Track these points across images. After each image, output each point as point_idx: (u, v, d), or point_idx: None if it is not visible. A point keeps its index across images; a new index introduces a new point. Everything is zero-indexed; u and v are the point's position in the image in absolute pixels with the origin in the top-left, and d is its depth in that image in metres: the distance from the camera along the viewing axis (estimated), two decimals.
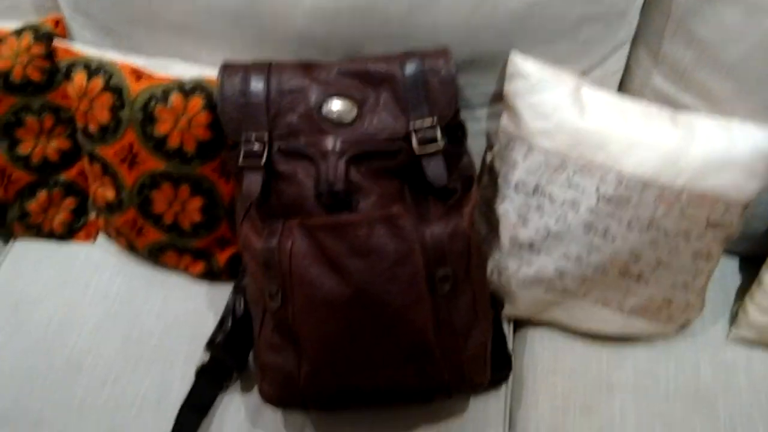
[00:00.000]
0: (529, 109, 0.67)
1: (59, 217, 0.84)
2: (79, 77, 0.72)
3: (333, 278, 0.59)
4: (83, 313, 0.78)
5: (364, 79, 0.66)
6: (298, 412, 0.69)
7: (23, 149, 0.79)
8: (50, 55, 0.76)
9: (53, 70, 0.76)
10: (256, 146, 0.63)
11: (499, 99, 0.73)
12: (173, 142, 0.71)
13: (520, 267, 0.72)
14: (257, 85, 0.65)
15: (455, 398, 0.67)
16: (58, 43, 0.75)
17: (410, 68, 0.65)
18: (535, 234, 0.70)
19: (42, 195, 0.82)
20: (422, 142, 0.63)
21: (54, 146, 0.80)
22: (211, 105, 0.69)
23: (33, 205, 0.82)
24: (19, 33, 0.76)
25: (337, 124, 0.64)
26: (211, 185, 0.74)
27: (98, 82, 0.71)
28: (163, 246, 0.79)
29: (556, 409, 0.71)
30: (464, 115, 0.72)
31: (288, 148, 0.63)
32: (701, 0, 0.65)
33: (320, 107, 0.65)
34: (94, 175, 0.78)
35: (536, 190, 0.68)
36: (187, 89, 0.70)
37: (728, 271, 0.83)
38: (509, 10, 0.66)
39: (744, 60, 0.65)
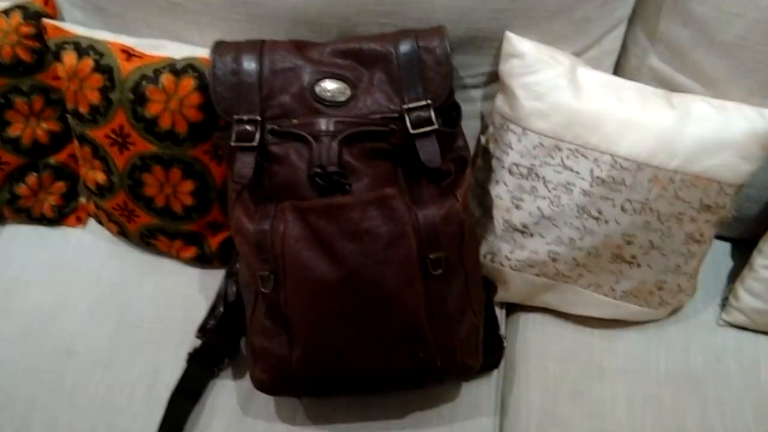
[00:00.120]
0: (523, 90, 0.67)
1: (49, 201, 0.83)
2: (69, 57, 0.71)
3: (326, 261, 0.59)
4: (74, 298, 0.78)
5: (358, 58, 0.65)
6: (290, 398, 0.69)
7: (13, 131, 0.78)
8: (40, 34, 0.75)
9: (43, 51, 0.75)
10: (249, 127, 0.63)
11: (494, 80, 0.73)
12: (164, 124, 0.70)
13: (513, 250, 0.72)
14: (249, 64, 0.64)
15: (447, 383, 0.67)
16: (48, 22, 0.73)
17: (404, 47, 0.64)
18: (528, 217, 0.70)
19: (32, 178, 0.81)
20: (416, 122, 0.63)
21: (44, 128, 0.79)
22: (203, 85, 0.68)
23: (23, 188, 0.81)
24: (7, 12, 0.75)
25: (330, 105, 0.64)
26: (203, 168, 0.73)
27: (88, 62, 0.70)
28: (155, 230, 0.78)
29: (548, 393, 0.71)
30: (459, 96, 0.72)
31: (281, 129, 0.63)
32: None
33: (313, 87, 0.64)
34: (84, 157, 0.77)
35: (530, 172, 0.68)
36: (179, 69, 0.69)
37: (720, 256, 0.83)
38: None
39: (740, 40, 0.65)
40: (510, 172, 0.70)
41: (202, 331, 0.74)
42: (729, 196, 0.67)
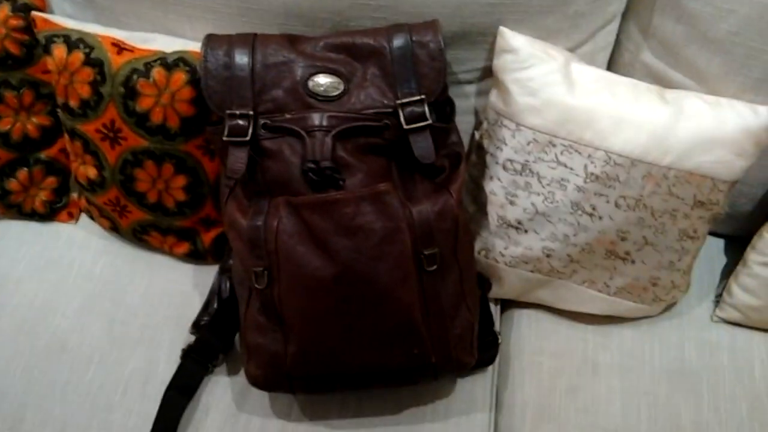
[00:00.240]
0: (517, 85, 0.67)
1: (40, 197, 0.82)
2: (59, 50, 0.70)
3: (319, 257, 0.58)
4: (67, 294, 0.77)
5: (351, 52, 0.65)
6: (285, 394, 0.69)
7: (2, 126, 0.77)
8: (29, 27, 0.74)
9: (32, 44, 0.75)
10: (241, 122, 0.62)
11: (488, 75, 0.73)
12: (156, 118, 0.69)
13: (507, 246, 0.72)
14: (242, 58, 0.63)
15: (442, 379, 0.67)
16: (37, 15, 0.73)
17: (398, 42, 0.64)
18: (522, 213, 0.70)
19: (22, 173, 0.81)
20: (410, 117, 0.62)
21: (34, 123, 0.79)
22: (194, 79, 0.68)
23: (13, 183, 0.81)
24: None
25: (323, 100, 0.63)
26: (195, 163, 0.72)
27: (78, 55, 0.70)
28: (147, 226, 0.77)
29: (543, 389, 0.72)
30: (452, 91, 0.71)
31: (273, 124, 0.62)
32: None
33: (306, 82, 0.63)
34: (75, 152, 0.76)
35: (524, 168, 0.68)
36: (170, 63, 0.68)
37: (714, 252, 0.83)
38: None
39: (733, 36, 0.65)
40: (504, 168, 0.70)
41: (196, 327, 0.73)
42: (722, 192, 0.67)
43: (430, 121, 0.63)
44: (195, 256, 0.79)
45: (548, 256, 0.71)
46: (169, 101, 0.68)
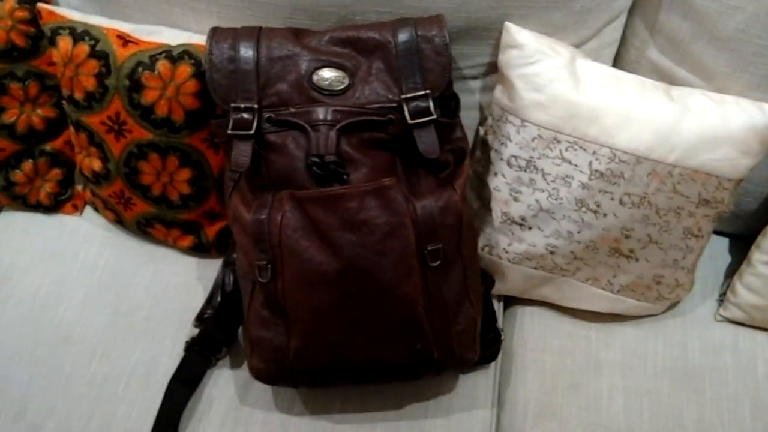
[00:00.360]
0: (522, 81, 0.67)
1: (45, 189, 0.83)
2: (65, 42, 0.71)
3: (323, 251, 0.58)
4: (71, 286, 0.78)
5: (356, 47, 0.64)
6: (288, 388, 0.69)
7: (8, 117, 0.78)
8: (35, 19, 0.74)
9: (38, 36, 0.75)
10: (246, 115, 0.62)
11: (493, 71, 0.73)
12: (161, 111, 0.69)
13: (510, 243, 0.72)
14: (247, 51, 0.63)
15: (444, 375, 0.67)
16: (43, 6, 0.73)
17: (403, 36, 0.64)
18: (526, 210, 0.69)
19: (27, 165, 0.81)
20: (415, 112, 0.62)
21: (39, 114, 0.79)
22: (199, 73, 0.68)
23: (18, 175, 0.81)
24: None
25: (328, 94, 0.63)
26: (199, 156, 0.72)
27: (84, 47, 0.70)
28: (151, 218, 0.78)
29: (545, 386, 0.72)
30: (457, 87, 0.71)
31: (278, 118, 0.62)
32: None
33: (311, 76, 0.63)
34: (80, 144, 0.77)
35: (529, 164, 0.68)
36: (175, 56, 0.68)
37: (718, 251, 0.83)
38: None
39: (740, 33, 0.65)
40: (508, 164, 0.69)
41: (200, 320, 0.73)
42: (727, 190, 0.67)
43: (434, 116, 0.62)
44: (199, 249, 0.80)
45: (552, 253, 0.71)
46: (174, 94, 0.68)
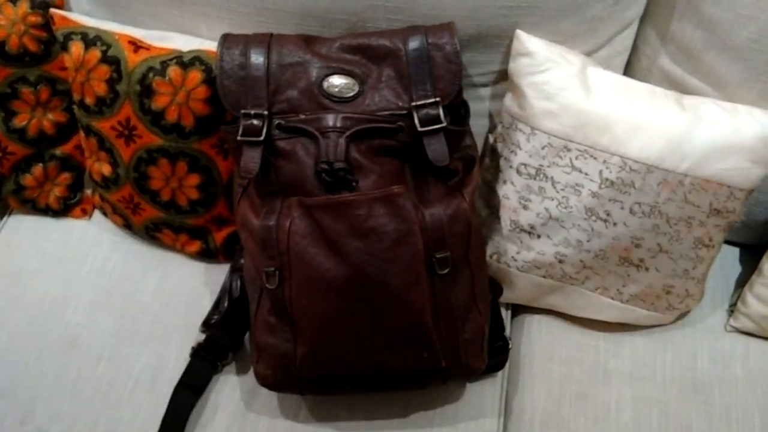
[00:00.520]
0: (533, 89, 0.67)
1: (55, 192, 0.83)
2: (76, 48, 0.71)
3: (331, 258, 0.58)
4: (79, 290, 0.78)
5: (367, 54, 0.65)
6: (294, 395, 0.69)
7: (19, 121, 0.78)
8: (47, 24, 0.74)
9: (50, 41, 0.75)
10: (255, 121, 0.62)
11: (503, 78, 0.73)
12: (171, 117, 0.70)
13: (519, 251, 0.71)
14: (257, 58, 0.63)
15: (451, 384, 0.67)
16: (56, 12, 0.73)
17: (414, 44, 0.64)
18: (535, 218, 0.69)
19: (37, 169, 0.81)
20: (424, 120, 0.62)
21: (50, 119, 0.79)
22: (210, 79, 0.68)
23: (28, 179, 0.81)
24: (15, 1, 0.74)
25: (338, 101, 0.63)
26: (209, 162, 0.73)
27: (95, 53, 0.70)
28: (160, 223, 0.78)
29: (552, 396, 0.71)
30: (467, 94, 0.71)
31: (287, 124, 0.62)
32: None
33: (321, 82, 0.63)
34: (90, 149, 0.77)
35: (538, 173, 0.68)
36: (186, 62, 0.69)
37: (728, 261, 0.82)
38: None
39: (753, 42, 0.64)
40: (518, 172, 0.69)
41: (206, 325, 0.73)
42: (739, 200, 0.66)
43: (444, 124, 0.62)
44: (207, 255, 0.80)
45: (561, 261, 0.70)
46: (184, 100, 0.69)
